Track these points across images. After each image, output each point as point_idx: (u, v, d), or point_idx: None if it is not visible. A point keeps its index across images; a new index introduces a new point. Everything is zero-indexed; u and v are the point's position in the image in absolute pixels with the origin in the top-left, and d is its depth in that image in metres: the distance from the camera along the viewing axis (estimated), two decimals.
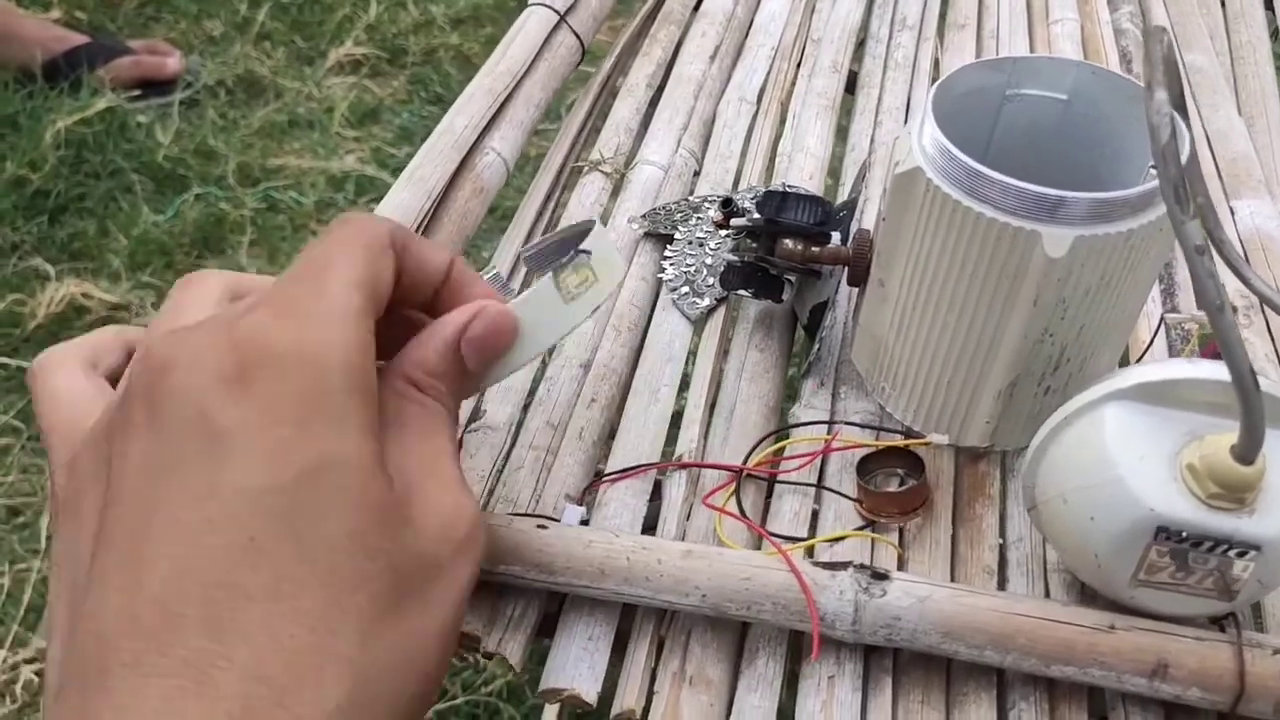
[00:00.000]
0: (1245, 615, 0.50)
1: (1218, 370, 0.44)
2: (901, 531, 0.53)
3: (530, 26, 0.72)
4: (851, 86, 0.81)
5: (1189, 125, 0.51)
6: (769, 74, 0.79)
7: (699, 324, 0.62)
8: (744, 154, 0.73)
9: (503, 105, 0.67)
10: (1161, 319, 0.64)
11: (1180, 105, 0.51)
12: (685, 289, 0.62)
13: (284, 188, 1.54)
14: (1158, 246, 0.50)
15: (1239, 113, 0.78)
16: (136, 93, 1.64)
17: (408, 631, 0.33)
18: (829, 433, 0.57)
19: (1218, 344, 0.41)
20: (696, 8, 0.86)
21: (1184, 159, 0.48)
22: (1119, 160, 0.54)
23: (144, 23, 1.85)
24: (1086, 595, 0.50)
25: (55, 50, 1.64)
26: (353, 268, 0.35)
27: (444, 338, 0.38)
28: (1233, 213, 0.70)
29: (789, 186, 0.67)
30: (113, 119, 1.57)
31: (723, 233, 0.63)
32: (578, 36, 0.75)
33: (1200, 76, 0.80)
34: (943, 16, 0.87)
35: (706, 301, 0.61)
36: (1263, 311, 0.64)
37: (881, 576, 0.47)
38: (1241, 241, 0.69)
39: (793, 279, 0.59)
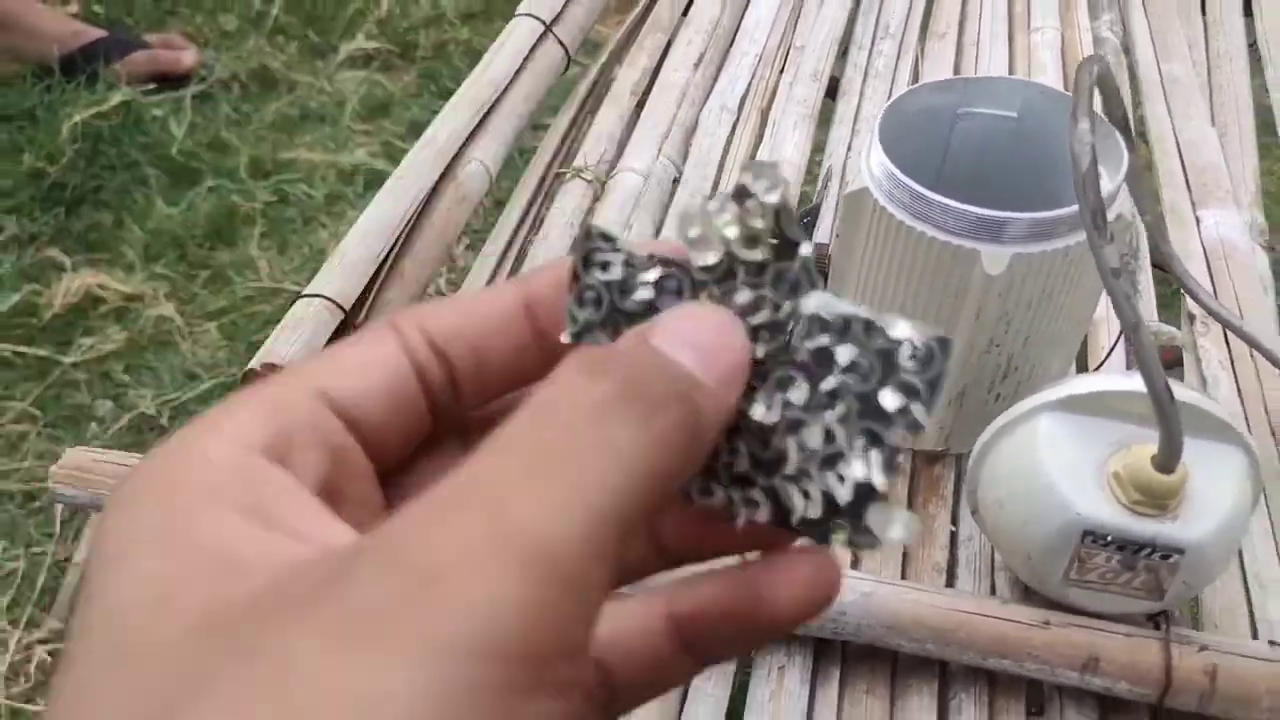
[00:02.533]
0: (1183, 614, 0.53)
1: (1142, 383, 0.46)
2: None
3: (516, 37, 0.75)
4: (833, 92, 0.83)
5: (1143, 128, 0.53)
6: (751, 81, 0.82)
7: None
8: (723, 162, 0.75)
9: (487, 115, 0.69)
10: (1121, 331, 0.66)
11: (1123, 124, 0.53)
12: None
13: (295, 181, 1.57)
14: None
15: (1212, 123, 0.80)
16: (152, 87, 1.67)
17: None
18: None
19: (1136, 360, 0.43)
20: (685, 13, 0.88)
21: (1120, 175, 0.50)
22: (1067, 175, 0.56)
23: (160, 17, 1.88)
24: (1030, 593, 0.53)
25: (72, 44, 1.67)
26: None
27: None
28: (1198, 222, 0.72)
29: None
30: (128, 112, 1.60)
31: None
32: (563, 46, 0.77)
33: (1176, 87, 0.82)
34: (925, 24, 0.89)
35: None
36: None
37: None
38: (1205, 251, 0.71)
39: None
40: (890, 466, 0.19)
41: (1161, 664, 0.48)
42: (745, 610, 0.20)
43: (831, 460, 0.20)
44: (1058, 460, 0.47)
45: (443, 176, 0.65)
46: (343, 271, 0.59)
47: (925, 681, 0.50)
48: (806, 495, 0.20)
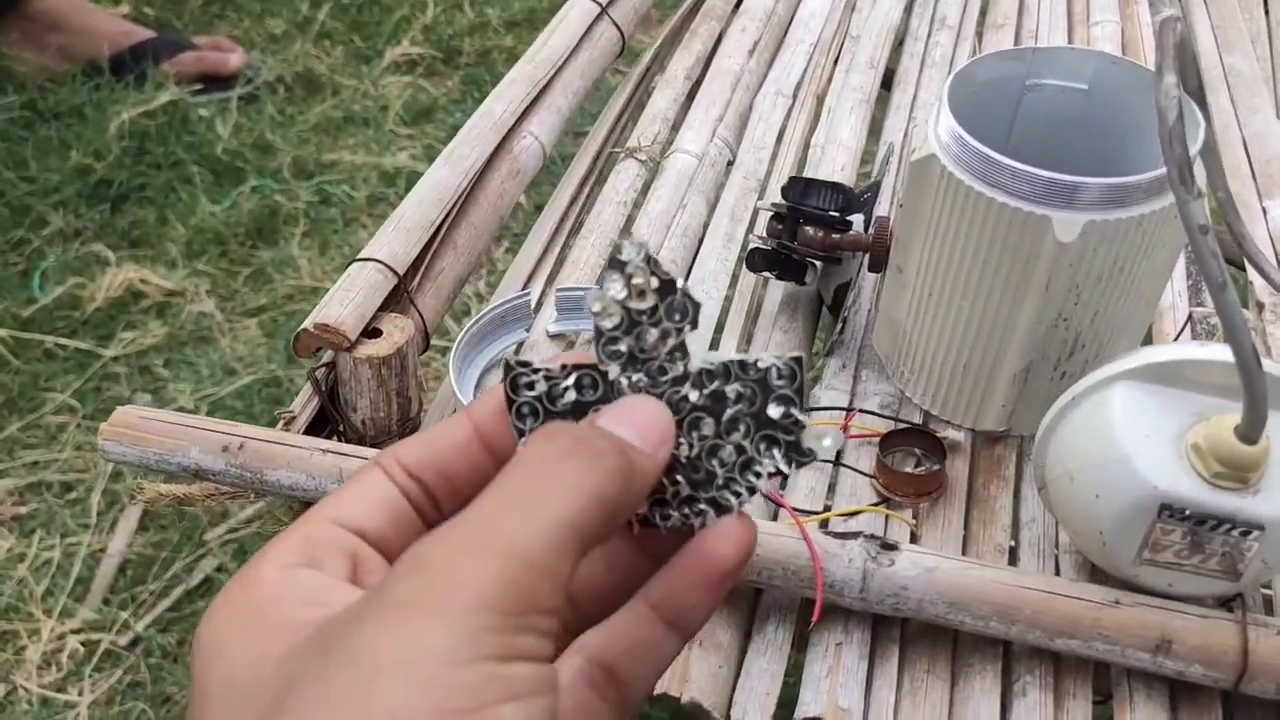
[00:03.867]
0: (1255, 600, 0.51)
1: (1224, 352, 0.45)
2: (916, 510, 0.54)
3: (572, 17, 0.74)
4: (889, 83, 0.82)
5: (1208, 117, 0.51)
6: (806, 69, 0.81)
7: (724, 305, 0.64)
8: (778, 145, 0.74)
9: (542, 92, 0.69)
10: (1189, 315, 0.64)
11: (1198, 95, 0.51)
12: None
13: (337, 182, 1.57)
14: (1173, 233, 0.51)
15: (1278, 115, 0.78)
16: (199, 87, 1.68)
17: None
18: (846, 416, 0.58)
19: (1221, 323, 0.41)
20: (738, 5, 0.88)
21: (1198, 146, 0.49)
22: (1140, 150, 0.55)
23: (209, 20, 1.89)
24: (1097, 576, 0.51)
25: (123, 44, 1.69)
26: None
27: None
28: (1265, 212, 0.71)
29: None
30: (175, 112, 1.61)
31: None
32: (619, 28, 0.77)
33: (1240, 79, 0.80)
34: (983, 16, 0.88)
35: None
36: None
37: (890, 547, 0.48)
38: (1273, 240, 0.69)
39: (817, 263, 0.61)
40: (789, 458, 0.28)
41: (1238, 647, 0.46)
42: (700, 567, 0.28)
43: (747, 464, 0.28)
44: (1134, 431, 0.45)
45: (498, 149, 0.65)
46: (397, 236, 0.58)
47: (988, 662, 0.49)
48: (738, 494, 0.28)
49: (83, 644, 1.13)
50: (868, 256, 0.58)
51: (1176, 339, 0.62)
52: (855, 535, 0.49)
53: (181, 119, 1.61)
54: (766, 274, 0.60)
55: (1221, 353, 0.45)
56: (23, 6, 1.67)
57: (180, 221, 1.49)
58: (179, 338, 1.37)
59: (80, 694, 1.10)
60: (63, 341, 1.36)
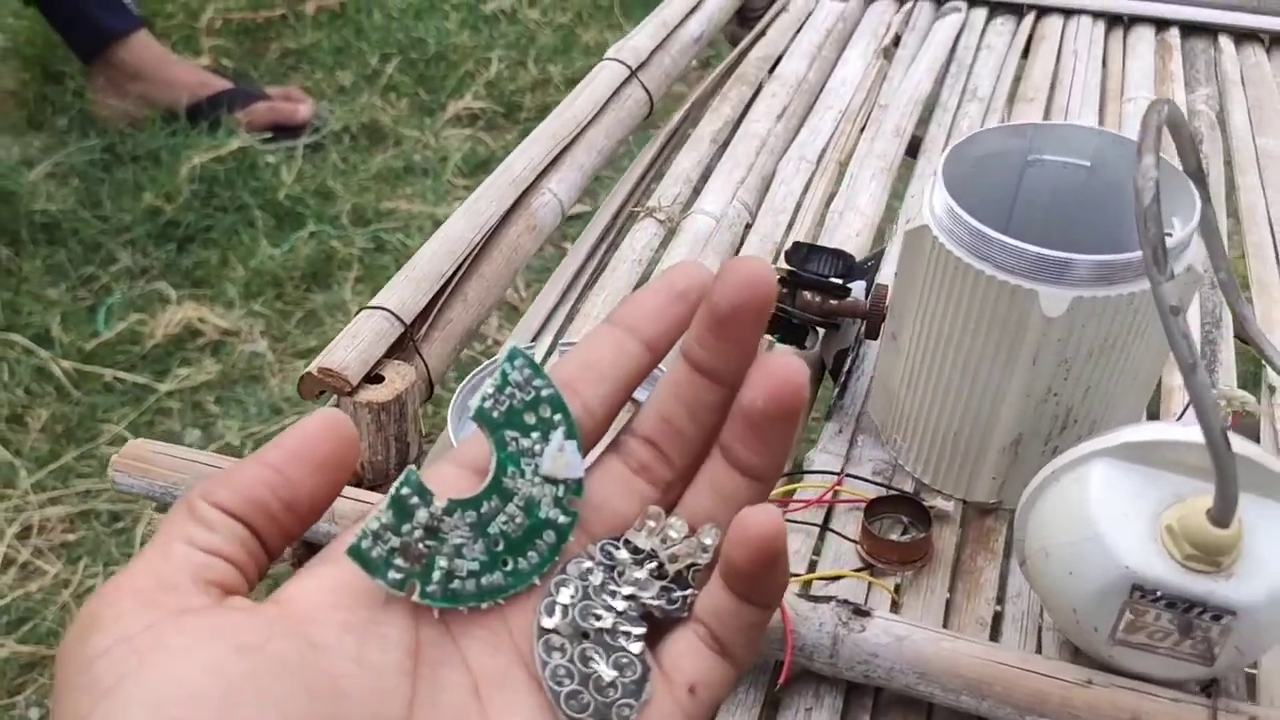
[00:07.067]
0: (1238, 685, 0.50)
1: (1200, 433, 0.45)
2: (900, 577, 0.54)
3: (601, 78, 0.76)
4: (915, 150, 0.83)
5: (1207, 197, 0.51)
6: (832, 135, 0.82)
7: None
8: (797, 210, 0.75)
9: (565, 150, 0.71)
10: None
11: (1198, 177, 0.51)
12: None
13: (392, 230, 1.61)
14: None
15: None
16: (268, 135, 1.74)
17: None
18: (838, 480, 0.58)
19: (1192, 404, 0.41)
20: (771, 70, 0.89)
21: (1193, 225, 0.49)
22: None
23: (284, 71, 1.96)
24: (1079, 657, 0.50)
25: (201, 94, 1.76)
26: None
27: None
28: None
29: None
30: (244, 158, 1.67)
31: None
32: (647, 91, 0.78)
33: (1271, 160, 0.80)
34: (1014, 91, 0.88)
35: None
36: None
37: (863, 613, 0.48)
38: None
39: (819, 328, 0.61)
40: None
41: None
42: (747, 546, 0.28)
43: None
44: (1109, 510, 0.45)
45: (516, 205, 0.66)
46: (407, 286, 0.60)
47: None
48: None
49: None
50: (864, 324, 0.59)
51: (1180, 418, 0.61)
52: (828, 599, 0.49)
53: (249, 165, 1.67)
54: (768, 337, 0.61)
55: (1199, 435, 0.45)
56: (109, 56, 1.75)
57: (241, 263, 1.54)
58: (231, 376, 1.41)
59: None
60: (121, 375, 1.41)
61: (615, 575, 0.31)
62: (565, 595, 0.30)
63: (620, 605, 0.30)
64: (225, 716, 0.24)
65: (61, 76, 1.85)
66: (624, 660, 0.30)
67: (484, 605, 0.30)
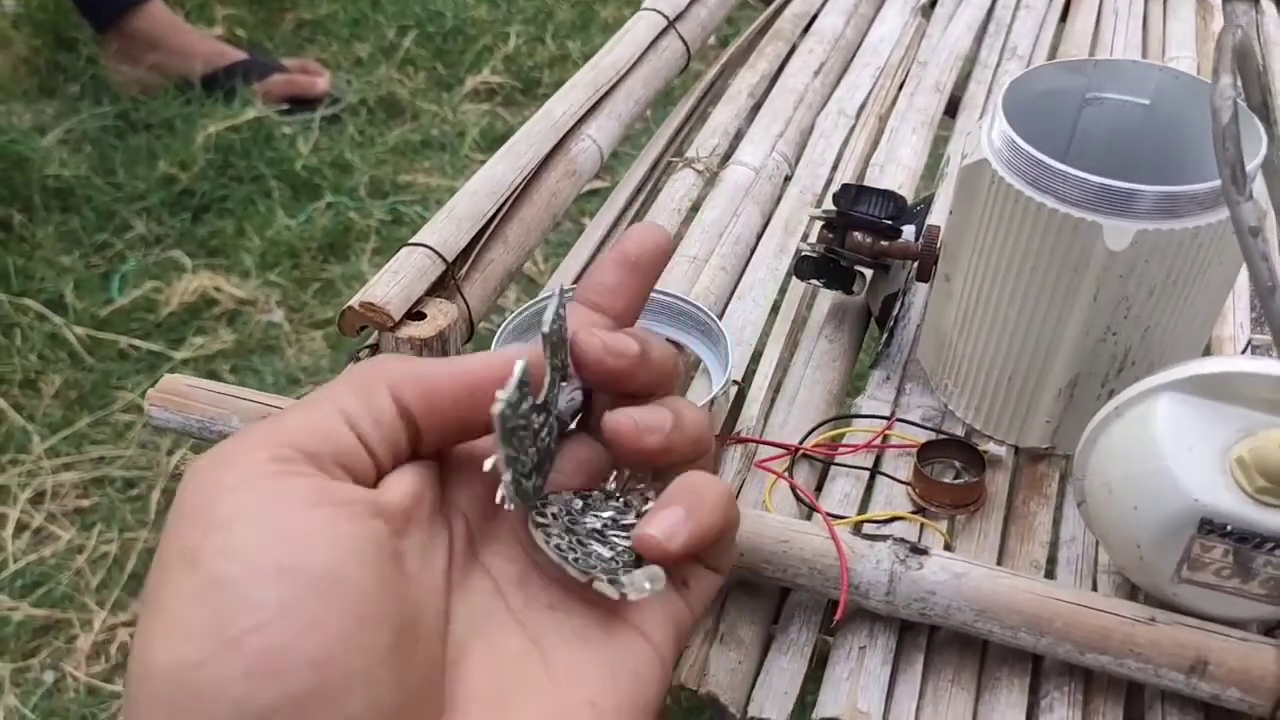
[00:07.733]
0: None
1: (1276, 366, 0.44)
2: (951, 521, 0.53)
3: (638, 28, 0.75)
4: (954, 110, 0.82)
5: (1271, 132, 0.50)
6: (871, 91, 0.81)
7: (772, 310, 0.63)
8: (837, 163, 0.74)
9: (604, 97, 0.70)
10: (1249, 341, 0.62)
11: (1261, 111, 0.50)
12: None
13: (410, 202, 1.60)
14: (1230, 249, 0.50)
15: None
16: (285, 107, 1.73)
17: None
18: (886, 425, 0.57)
19: (1270, 329, 0.40)
20: (808, 28, 0.88)
21: (1258, 160, 0.48)
22: (1201, 166, 0.54)
23: (300, 43, 1.95)
24: (1134, 595, 0.49)
25: (216, 64, 1.75)
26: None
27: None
28: None
29: None
30: (260, 129, 1.66)
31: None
32: (684, 42, 0.77)
33: None
34: (1054, 50, 0.87)
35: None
36: None
37: (920, 551, 0.47)
38: None
39: (865, 272, 0.60)
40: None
41: (1277, 671, 0.44)
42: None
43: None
44: (1177, 443, 0.44)
45: (556, 149, 0.65)
46: (449, 225, 0.59)
47: (1016, 675, 0.47)
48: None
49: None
50: (915, 266, 0.58)
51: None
52: (884, 538, 0.48)
53: (266, 136, 1.66)
54: (814, 281, 0.60)
55: (1272, 367, 0.44)
56: (123, 24, 1.74)
57: (257, 233, 1.53)
58: (247, 345, 1.40)
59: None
60: (136, 343, 1.40)
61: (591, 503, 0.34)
62: (551, 510, 0.33)
63: (606, 515, 0.34)
64: (320, 577, 0.26)
65: (74, 43, 1.84)
66: (618, 546, 0.33)
67: (532, 509, 0.32)
